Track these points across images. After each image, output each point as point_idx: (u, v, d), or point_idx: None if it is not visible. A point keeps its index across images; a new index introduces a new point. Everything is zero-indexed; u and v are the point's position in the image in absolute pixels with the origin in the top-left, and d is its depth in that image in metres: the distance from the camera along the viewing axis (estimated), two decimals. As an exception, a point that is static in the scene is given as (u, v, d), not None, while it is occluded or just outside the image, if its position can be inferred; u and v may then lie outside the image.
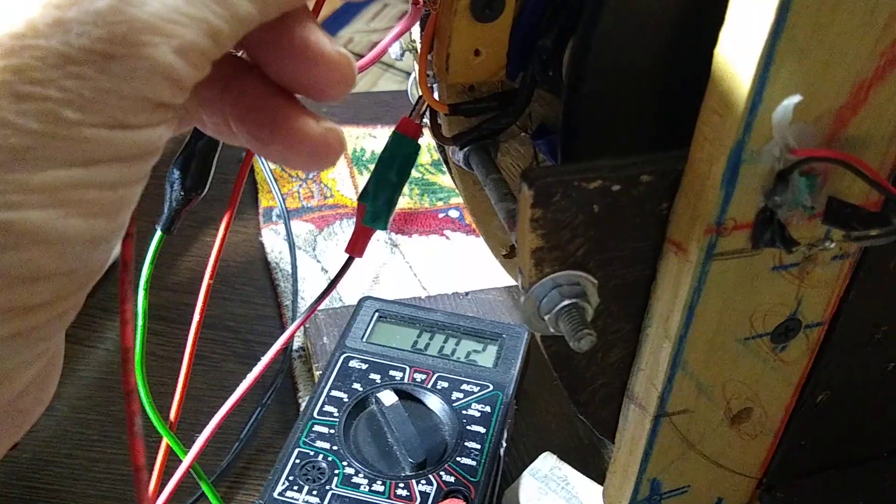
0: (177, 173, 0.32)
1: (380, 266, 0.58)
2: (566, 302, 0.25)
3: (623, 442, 0.30)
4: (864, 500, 0.33)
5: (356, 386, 0.43)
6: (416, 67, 0.29)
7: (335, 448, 0.40)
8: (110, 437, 0.46)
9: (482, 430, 0.41)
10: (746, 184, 0.23)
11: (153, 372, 0.36)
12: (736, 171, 0.23)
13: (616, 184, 0.24)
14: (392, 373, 0.44)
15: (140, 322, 0.34)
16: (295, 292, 0.54)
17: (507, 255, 0.43)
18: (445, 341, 0.46)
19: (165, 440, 0.34)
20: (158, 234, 0.32)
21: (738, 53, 0.21)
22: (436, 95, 0.31)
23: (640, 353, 0.28)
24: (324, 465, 0.39)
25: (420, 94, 0.30)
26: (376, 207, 0.30)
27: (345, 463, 0.39)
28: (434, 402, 0.42)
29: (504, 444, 0.41)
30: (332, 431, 0.41)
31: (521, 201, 0.24)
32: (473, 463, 0.40)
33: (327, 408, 0.42)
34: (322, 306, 0.49)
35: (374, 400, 0.42)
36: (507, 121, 0.29)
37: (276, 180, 0.62)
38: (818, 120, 0.23)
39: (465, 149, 0.31)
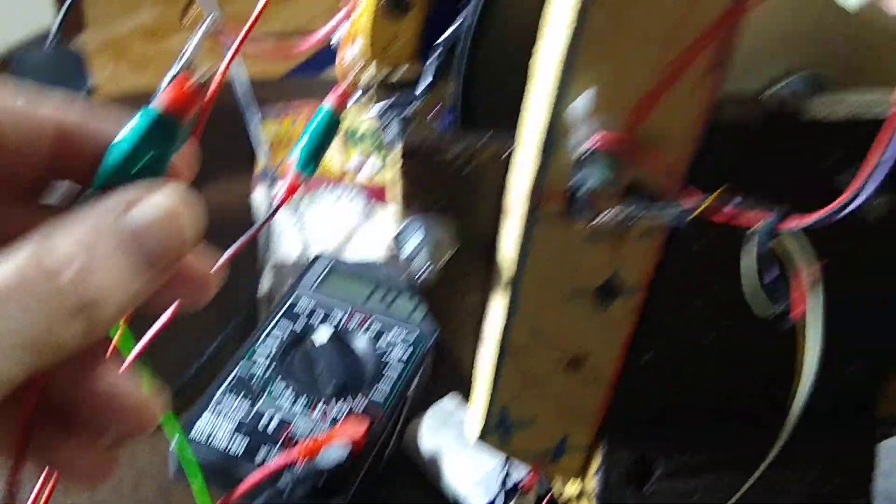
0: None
1: (354, 231, 0.65)
2: (422, 238, 0.32)
3: (478, 372, 0.37)
4: (706, 453, 0.39)
5: (299, 322, 0.50)
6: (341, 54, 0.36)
7: (270, 370, 0.47)
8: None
9: (400, 369, 0.48)
10: (559, 162, 0.30)
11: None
12: (549, 149, 0.29)
13: (464, 154, 0.31)
14: (332, 314, 0.51)
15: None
16: (267, 243, 0.61)
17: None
18: (386, 295, 0.53)
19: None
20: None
21: (547, 58, 0.28)
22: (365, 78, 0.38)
23: (490, 298, 0.35)
24: (258, 381, 0.46)
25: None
26: (308, 157, 0.38)
27: (275, 382, 0.47)
28: (364, 341, 0.49)
29: (415, 383, 0.48)
30: (270, 357, 0.48)
31: (396, 153, 0.31)
32: (385, 395, 0.47)
33: (270, 339, 0.49)
34: (292, 260, 0.57)
35: (311, 334, 0.49)
36: (414, 98, 0.36)
37: (270, 146, 0.70)
38: (616, 115, 0.29)
39: (384, 120, 0.38)
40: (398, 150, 0.30)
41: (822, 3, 0.35)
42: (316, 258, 0.55)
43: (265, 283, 0.59)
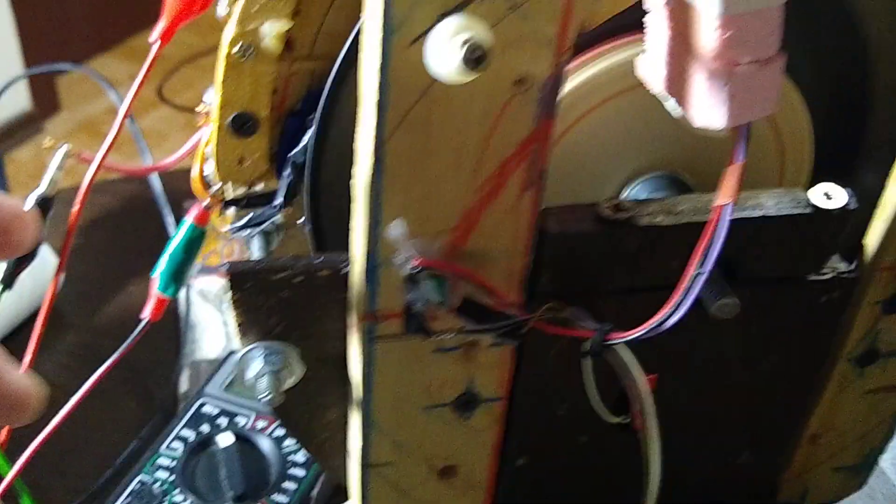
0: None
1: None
2: (263, 367, 0.31)
3: (350, 486, 0.36)
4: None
5: (204, 427, 0.50)
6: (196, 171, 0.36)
7: (171, 479, 0.46)
8: None
9: (302, 473, 0.47)
10: (388, 283, 0.30)
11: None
12: (374, 272, 0.29)
13: (298, 276, 0.31)
14: (237, 419, 0.50)
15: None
16: (185, 340, 0.61)
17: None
18: (296, 393, 0.53)
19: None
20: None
21: (359, 184, 0.28)
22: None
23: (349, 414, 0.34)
24: (158, 491, 0.46)
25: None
26: (169, 278, 0.37)
27: (176, 491, 0.46)
28: (267, 446, 0.49)
29: (318, 489, 0.47)
30: (172, 464, 0.47)
31: (224, 286, 0.30)
32: (288, 499, 0.46)
33: (174, 444, 0.48)
34: (211, 358, 0.57)
35: (214, 440, 0.49)
36: (270, 213, 0.36)
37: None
38: (437, 236, 0.29)
39: (247, 235, 0.38)
40: (224, 281, 0.30)
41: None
42: (228, 356, 0.55)
43: (184, 382, 0.58)
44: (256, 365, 0.31)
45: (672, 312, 0.28)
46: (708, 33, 0.24)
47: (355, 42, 0.31)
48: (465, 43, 0.23)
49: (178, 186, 0.70)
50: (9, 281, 0.40)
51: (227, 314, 0.64)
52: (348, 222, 0.33)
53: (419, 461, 0.35)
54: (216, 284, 0.67)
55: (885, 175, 0.34)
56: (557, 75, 0.26)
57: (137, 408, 0.58)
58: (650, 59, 0.28)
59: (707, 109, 0.26)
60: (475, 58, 0.23)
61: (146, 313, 0.38)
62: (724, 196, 0.27)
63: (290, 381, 0.32)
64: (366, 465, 0.34)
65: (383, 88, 0.25)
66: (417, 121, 0.26)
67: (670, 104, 0.27)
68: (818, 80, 0.37)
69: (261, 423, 0.50)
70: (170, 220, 0.68)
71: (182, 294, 0.66)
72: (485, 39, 0.23)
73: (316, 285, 0.31)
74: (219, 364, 0.54)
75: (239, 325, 0.31)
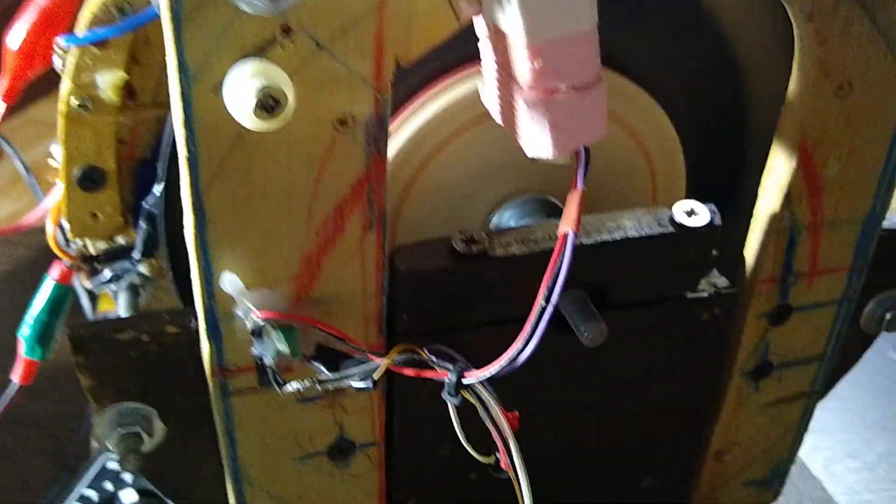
0: None
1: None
2: (119, 431, 0.30)
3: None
4: None
5: (107, 485, 0.48)
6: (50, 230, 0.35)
7: (73, 543, 0.45)
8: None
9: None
10: (233, 337, 0.28)
11: None
12: (217, 328, 0.28)
13: (145, 334, 0.29)
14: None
15: None
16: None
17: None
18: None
19: None
20: None
21: (188, 240, 0.27)
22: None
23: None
24: (57, 559, 0.44)
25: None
26: (35, 340, 0.36)
27: (77, 557, 0.44)
28: None
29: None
30: (74, 528, 0.46)
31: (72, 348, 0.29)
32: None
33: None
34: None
35: (118, 499, 0.47)
36: (128, 266, 0.35)
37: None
38: (278, 286, 0.28)
39: (113, 290, 0.36)
40: (70, 343, 0.28)
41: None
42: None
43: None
44: (111, 429, 0.30)
45: (523, 347, 0.26)
46: (521, 63, 0.24)
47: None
48: (259, 90, 0.22)
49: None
50: None
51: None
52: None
53: (300, 514, 0.34)
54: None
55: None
56: (381, 113, 0.25)
57: (46, 465, 0.56)
58: (486, 90, 0.27)
59: (534, 139, 0.25)
60: (270, 105, 0.22)
61: (15, 377, 0.37)
62: (565, 223, 0.26)
63: (150, 442, 0.31)
64: (243, 523, 0.33)
65: (191, 139, 0.24)
66: (235, 169, 0.25)
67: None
68: (693, 102, 0.36)
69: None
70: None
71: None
72: (279, 84, 0.22)
73: (167, 343, 0.30)
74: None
75: (88, 390, 0.29)
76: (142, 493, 0.46)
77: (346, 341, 0.28)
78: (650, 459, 0.38)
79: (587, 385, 0.34)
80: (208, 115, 0.24)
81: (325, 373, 0.29)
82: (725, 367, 0.37)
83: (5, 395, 0.37)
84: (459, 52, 0.31)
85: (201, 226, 0.26)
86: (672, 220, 0.31)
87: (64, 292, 0.36)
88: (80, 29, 0.31)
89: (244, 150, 0.25)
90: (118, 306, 0.37)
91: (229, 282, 0.27)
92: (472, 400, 0.29)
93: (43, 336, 0.36)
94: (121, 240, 0.36)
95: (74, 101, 0.31)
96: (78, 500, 0.47)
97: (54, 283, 0.36)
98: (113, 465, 0.49)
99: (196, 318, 0.29)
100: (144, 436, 0.30)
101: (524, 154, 0.34)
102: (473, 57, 0.32)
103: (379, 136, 0.26)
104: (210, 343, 0.28)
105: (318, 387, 0.29)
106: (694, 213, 0.31)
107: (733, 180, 0.39)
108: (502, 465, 0.29)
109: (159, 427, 0.31)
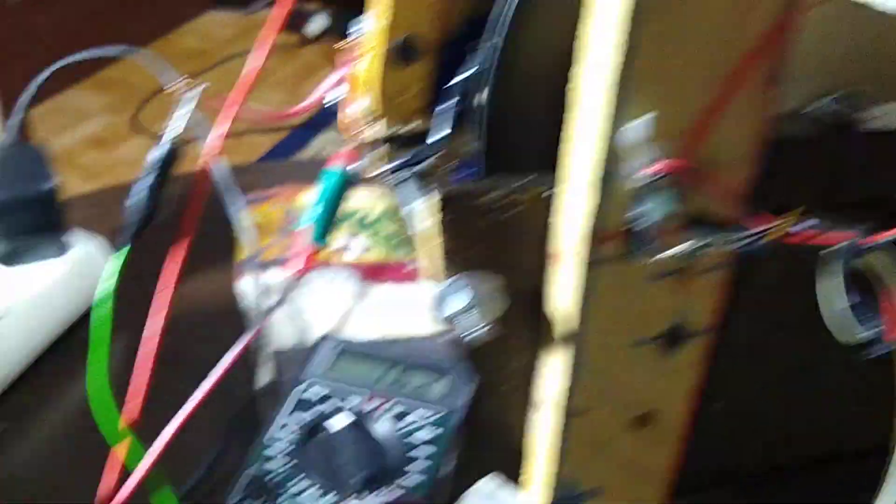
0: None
1: (349, 313, 0.61)
2: (469, 298, 0.28)
3: (533, 443, 0.33)
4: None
5: (312, 411, 0.46)
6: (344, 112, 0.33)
7: (287, 467, 0.43)
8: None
9: (431, 450, 0.44)
10: (615, 197, 0.27)
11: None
12: (604, 186, 0.26)
13: (506, 198, 0.28)
14: (348, 399, 0.47)
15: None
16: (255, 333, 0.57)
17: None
18: (402, 373, 0.49)
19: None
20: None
21: (592, 85, 0.25)
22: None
23: (543, 358, 0.31)
24: (276, 482, 0.42)
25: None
26: (324, 226, 0.35)
27: (295, 480, 0.42)
28: (385, 425, 0.45)
29: (451, 465, 0.44)
30: (286, 453, 0.43)
31: (433, 207, 0.27)
32: (420, 481, 0.42)
33: (283, 432, 0.45)
34: (290, 347, 0.53)
35: (327, 424, 0.45)
36: (432, 150, 0.33)
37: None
38: (675, 136, 0.26)
39: (400, 178, 0.35)
40: (435, 201, 0.27)
41: (854, 23, 0.33)
42: (321, 341, 0.51)
43: (265, 374, 0.54)
44: (460, 298, 0.28)
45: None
46: None
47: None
48: None
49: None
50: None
51: (295, 302, 0.61)
52: (531, 150, 0.30)
53: (618, 407, 0.32)
54: (278, 277, 0.64)
55: None
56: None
57: (211, 411, 0.54)
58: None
59: None
60: None
61: (295, 266, 0.35)
62: None
63: (492, 318, 0.29)
64: (568, 414, 0.31)
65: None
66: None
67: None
68: None
69: (375, 403, 0.46)
70: (233, 210, 0.64)
71: (246, 287, 0.62)
72: None
73: (521, 210, 0.28)
74: (314, 348, 0.51)
75: (445, 252, 0.28)
76: (353, 421, 0.44)
77: (729, 204, 0.27)
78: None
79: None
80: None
81: (707, 238, 0.27)
82: None
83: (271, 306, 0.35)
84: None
85: (629, 63, 0.24)
86: None
87: (349, 178, 0.34)
88: None
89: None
90: (403, 197, 0.35)
91: (643, 127, 0.25)
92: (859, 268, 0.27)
93: (329, 222, 0.34)
94: (412, 126, 0.34)
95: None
96: (284, 426, 0.45)
97: (340, 170, 0.34)
98: (313, 393, 0.47)
99: (550, 188, 0.28)
100: (488, 310, 0.29)
101: (842, 47, 0.33)
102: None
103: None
104: (593, 202, 0.27)
105: (697, 254, 0.28)
106: None
107: None
108: (890, 337, 0.27)
109: (501, 302, 0.29)
